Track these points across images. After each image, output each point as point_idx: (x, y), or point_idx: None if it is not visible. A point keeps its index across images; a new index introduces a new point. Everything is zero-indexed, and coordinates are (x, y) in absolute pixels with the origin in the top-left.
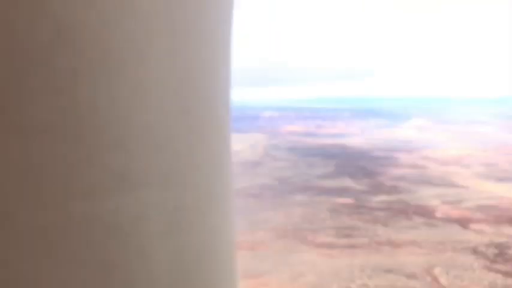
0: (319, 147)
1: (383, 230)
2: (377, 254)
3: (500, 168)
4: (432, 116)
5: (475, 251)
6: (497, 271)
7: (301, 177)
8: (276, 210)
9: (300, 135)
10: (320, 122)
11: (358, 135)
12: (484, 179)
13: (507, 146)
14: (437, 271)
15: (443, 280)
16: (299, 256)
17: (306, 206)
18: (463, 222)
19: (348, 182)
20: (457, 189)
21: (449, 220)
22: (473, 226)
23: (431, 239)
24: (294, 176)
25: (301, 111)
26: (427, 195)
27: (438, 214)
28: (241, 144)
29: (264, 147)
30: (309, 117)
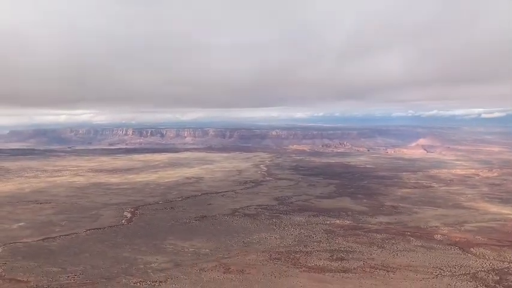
0: (323, 167)
1: (378, 252)
2: (370, 279)
3: (504, 189)
4: (438, 135)
5: (474, 277)
6: None
7: (300, 197)
8: (271, 232)
9: (305, 154)
10: (327, 141)
11: (364, 155)
12: (488, 200)
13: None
14: None
15: None
16: (288, 281)
17: (302, 227)
18: (464, 246)
19: (347, 203)
20: (460, 210)
21: (449, 243)
22: (474, 250)
23: (429, 263)
24: (293, 196)
25: (309, 130)
26: (428, 217)
27: (438, 237)
28: (246, 163)
29: (268, 167)
30: (317, 136)
